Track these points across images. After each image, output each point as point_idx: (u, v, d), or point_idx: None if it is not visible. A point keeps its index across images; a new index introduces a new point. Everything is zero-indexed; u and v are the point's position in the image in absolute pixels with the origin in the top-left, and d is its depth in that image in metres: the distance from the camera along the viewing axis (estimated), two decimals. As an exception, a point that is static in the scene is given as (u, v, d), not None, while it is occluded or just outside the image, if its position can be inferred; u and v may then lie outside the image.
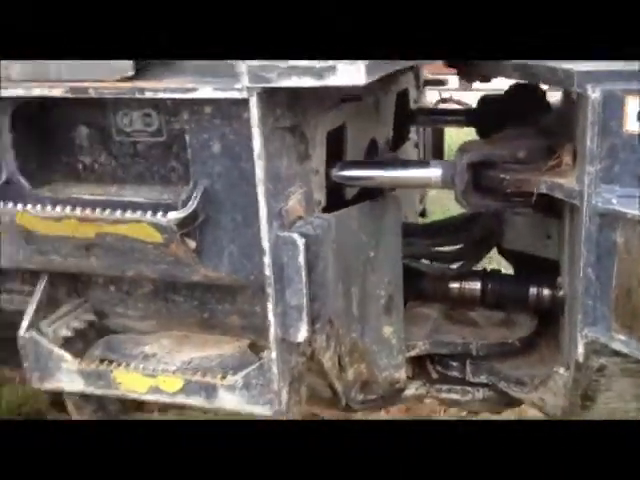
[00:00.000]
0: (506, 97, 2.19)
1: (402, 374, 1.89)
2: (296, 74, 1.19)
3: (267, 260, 1.30)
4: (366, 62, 1.18)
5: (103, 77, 1.31)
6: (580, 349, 1.46)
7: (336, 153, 1.62)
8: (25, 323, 1.51)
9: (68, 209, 1.36)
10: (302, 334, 1.34)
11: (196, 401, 1.43)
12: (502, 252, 2.16)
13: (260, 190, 1.26)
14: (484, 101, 2.25)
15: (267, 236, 1.28)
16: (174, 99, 1.29)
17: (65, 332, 1.56)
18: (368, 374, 1.82)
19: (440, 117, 2.51)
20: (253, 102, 1.22)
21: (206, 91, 1.25)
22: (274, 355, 1.34)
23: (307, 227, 1.34)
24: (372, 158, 1.84)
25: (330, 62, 1.18)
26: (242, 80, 1.21)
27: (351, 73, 1.16)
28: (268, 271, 1.30)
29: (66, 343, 1.56)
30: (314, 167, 1.49)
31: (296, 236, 1.30)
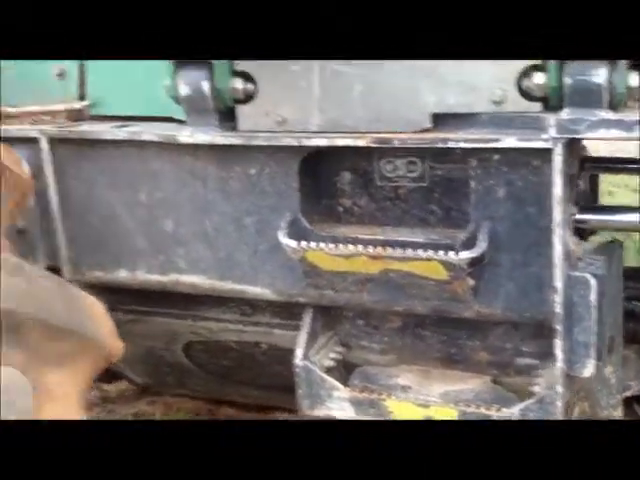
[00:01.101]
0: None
1: (619, 413, 1.92)
2: (605, 126, 1.29)
3: (559, 298, 1.37)
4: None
5: (403, 129, 1.43)
6: None
7: None
8: (299, 353, 1.62)
9: (360, 247, 1.48)
10: (589, 370, 1.41)
11: (469, 432, 1.50)
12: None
13: (557, 233, 1.35)
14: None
15: (560, 276, 1.36)
16: (475, 148, 1.40)
17: (328, 362, 1.66)
18: (591, 413, 1.85)
19: (612, 165, 2.57)
20: (558, 151, 1.32)
21: (510, 141, 1.36)
22: (560, 389, 1.41)
23: (593, 267, 1.42)
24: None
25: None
26: (549, 131, 1.32)
27: None
28: (559, 308, 1.38)
29: (327, 372, 1.66)
30: (572, 211, 1.57)
31: (589, 276, 1.38)
